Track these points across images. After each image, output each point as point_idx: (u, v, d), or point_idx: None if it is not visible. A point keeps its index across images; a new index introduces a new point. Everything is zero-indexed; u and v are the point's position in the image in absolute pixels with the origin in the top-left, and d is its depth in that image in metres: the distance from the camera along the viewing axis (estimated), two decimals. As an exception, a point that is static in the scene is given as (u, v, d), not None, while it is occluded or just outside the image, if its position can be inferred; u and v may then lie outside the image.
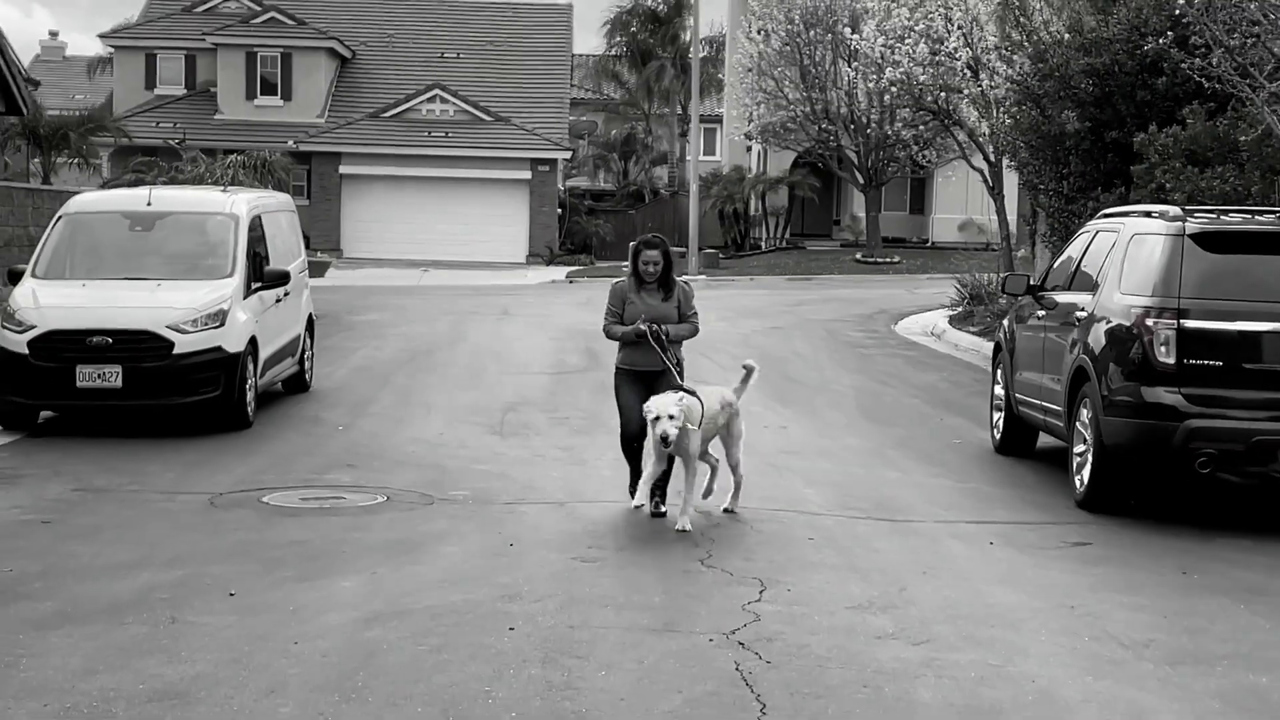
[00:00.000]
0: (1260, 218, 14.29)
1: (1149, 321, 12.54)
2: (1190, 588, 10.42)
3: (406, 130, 55.66)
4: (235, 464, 14.56)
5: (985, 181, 36.00)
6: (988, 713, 7.47)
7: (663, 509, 11.64)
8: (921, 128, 48.65)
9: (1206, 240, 12.83)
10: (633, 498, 11.82)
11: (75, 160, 43.81)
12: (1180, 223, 13.05)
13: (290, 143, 52.91)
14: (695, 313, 12.13)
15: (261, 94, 57.60)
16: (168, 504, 12.71)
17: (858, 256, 53.86)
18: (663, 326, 11.70)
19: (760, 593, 9.59)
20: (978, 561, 10.94)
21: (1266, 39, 17.22)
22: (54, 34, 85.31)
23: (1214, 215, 14.09)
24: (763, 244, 60.94)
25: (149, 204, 18.16)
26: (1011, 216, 35.61)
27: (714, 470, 11.93)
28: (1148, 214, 14.14)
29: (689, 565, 10.59)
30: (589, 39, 66.03)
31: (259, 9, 59.06)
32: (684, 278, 45.45)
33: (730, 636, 8.51)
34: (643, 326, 11.63)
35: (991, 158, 35.32)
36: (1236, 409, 12.47)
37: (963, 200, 54.12)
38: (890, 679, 7.91)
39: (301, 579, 9.99)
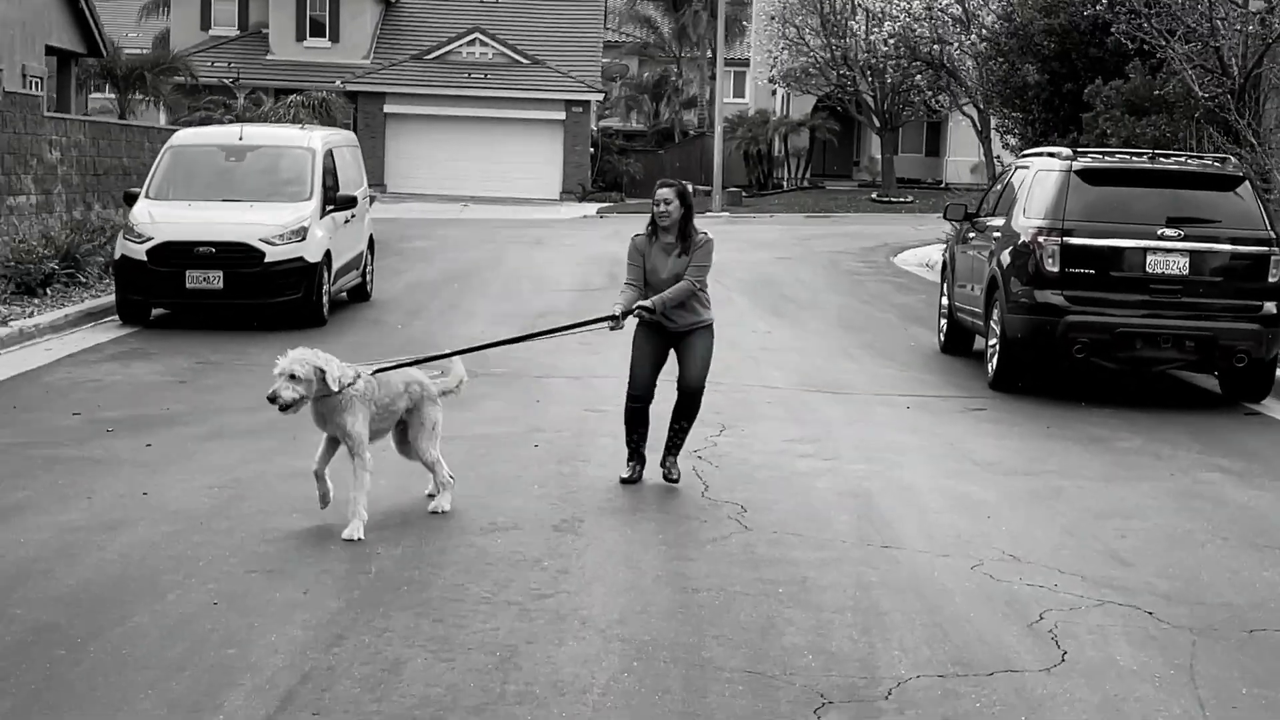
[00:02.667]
0: (1133, 159, 16.21)
1: (1041, 239, 14.74)
2: (1048, 437, 12.96)
3: (448, 72, 55.88)
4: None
5: (974, 126, 38.45)
6: (860, 495, 10.31)
7: (640, 473, 10.45)
8: (919, 77, 49.88)
9: (1088, 175, 15.04)
10: (625, 472, 10.49)
11: (148, 98, 44.64)
12: (1069, 162, 15.30)
13: (338, 83, 53.31)
14: (703, 269, 10.17)
15: (311, 36, 58.00)
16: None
17: (874, 196, 55.18)
18: (644, 306, 10.13)
19: (720, 431, 12.18)
20: (892, 418, 13.50)
21: (1176, 9, 19.71)
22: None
23: (1098, 156, 16.05)
24: (784, 184, 61.99)
25: (240, 139, 20.14)
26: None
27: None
28: (1051, 154, 16.28)
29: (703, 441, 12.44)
30: None
31: None
32: (708, 214, 46.55)
33: (693, 454, 11.13)
34: (617, 313, 10.13)
35: (980, 105, 37.73)
36: (1105, 307, 14.57)
37: (974, 144, 55.49)
38: (800, 476, 10.84)
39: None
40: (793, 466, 11.21)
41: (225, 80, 51.04)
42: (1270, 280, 14.66)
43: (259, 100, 45.17)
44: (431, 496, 9.51)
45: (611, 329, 10.21)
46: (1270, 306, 14.65)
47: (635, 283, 10.30)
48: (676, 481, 10.34)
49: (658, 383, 10.51)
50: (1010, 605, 7.98)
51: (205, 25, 59.89)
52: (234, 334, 17.84)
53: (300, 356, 8.76)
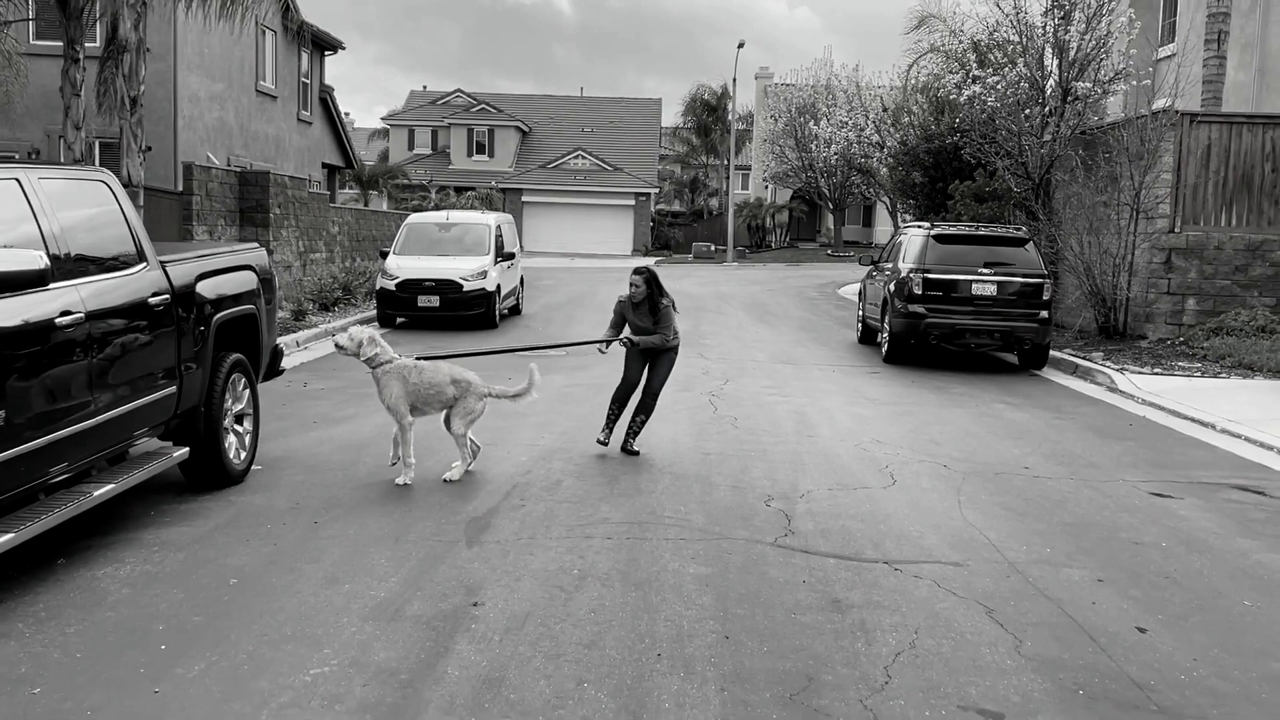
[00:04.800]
0: (964, 228, 16.56)
1: (912, 275, 15.44)
2: (911, 386, 13.86)
3: (561, 175, 56.14)
4: (494, 338, 17.71)
5: (888, 208, 39.04)
6: (800, 412, 11.53)
7: (606, 439, 9.50)
8: (855, 178, 49.63)
9: (940, 238, 15.72)
10: (599, 435, 9.54)
11: (379, 193, 45.78)
12: (929, 230, 16.10)
13: (493, 183, 54.25)
14: (668, 329, 9.31)
15: (476, 154, 58.51)
16: (474, 350, 16.25)
17: (829, 252, 54.53)
18: (636, 339, 9.35)
19: (725, 382, 13.47)
20: (823, 376, 14.51)
21: (1000, 139, 20.52)
22: (345, 114, 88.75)
23: (945, 226, 16.48)
24: (773, 244, 61.43)
25: (448, 219, 21.07)
26: (909, 228, 37.40)
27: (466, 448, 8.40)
28: (919, 226, 16.92)
29: (694, 368, 14.03)
30: (670, 115, 68.12)
31: (475, 102, 60.44)
32: (724, 264, 47.02)
33: (709, 392, 12.54)
34: (604, 341, 9.52)
35: (889, 196, 38.35)
36: (948, 313, 15.27)
37: (889, 219, 56.25)
38: (767, 404, 12.01)
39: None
40: (764, 399, 12.42)
41: (424, 181, 51.70)
42: (1044, 298, 15.27)
43: (446, 194, 46.65)
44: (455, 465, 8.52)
45: (601, 351, 9.61)
46: (1044, 314, 15.26)
47: (614, 328, 9.50)
48: (636, 454, 9.32)
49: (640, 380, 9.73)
50: (871, 461, 9.37)
51: (410, 146, 60.72)
52: (446, 332, 18.60)
53: (354, 332, 8.12)
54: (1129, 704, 4.73)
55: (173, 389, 7.06)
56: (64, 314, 5.83)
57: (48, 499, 5.95)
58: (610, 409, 9.55)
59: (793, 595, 5.93)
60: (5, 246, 5.50)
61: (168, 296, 6.99)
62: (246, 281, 8.26)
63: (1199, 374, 14.81)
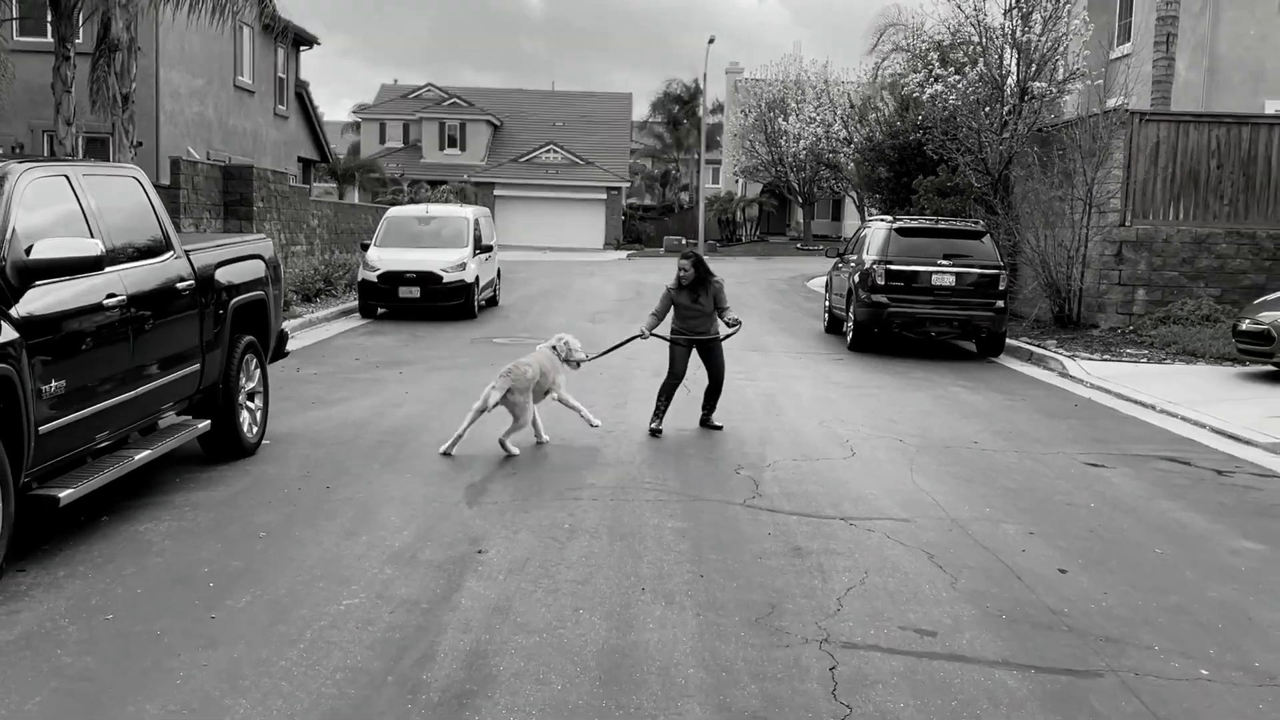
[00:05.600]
0: (925, 221, 17.33)
1: (876, 266, 16.18)
2: (873, 371, 14.65)
3: (533, 169, 56.73)
4: (474, 328, 18.33)
5: (855, 203, 39.73)
6: (769, 395, 12.28)
7: (659, 428, 10.05)
8: (824, 172, 50.19)
9: (902, 231, 16.47)
10: (651, 424, 10.09)
11: (353, 186, 46.11)
12: (891, 223, 16.89)
13: (465, 177, 54.50)
14: (726, 302, 10.17)
15: (448, 147, 59.17)
16: (452, 341, 16.53)
17: (798, 246, 55.38)
18: (651, 332, 10.12)
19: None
20: (790, 363, 15.28)
21: (962, 136, 21.39)
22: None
23: (906, 220, 17.22)
24: (743, 238, 62.18)
25: (427, 212, 21.58)
26: (877, 222, 38.10)
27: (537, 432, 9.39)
28: (881, 220, 17.68)
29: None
30: (641, 110, 68.80)
31: (446, 96, 60.90)
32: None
33: (686, 379, 13.73)
34: (645, 331, 10.20)
35: (857, 190, 39.04)
36: (910, 303, 16.03)
37: (856, 213, 57.10)
38: (737, 386, 12.57)
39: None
40: (735, 382, 12.79)
41: (396, 175, 52.39)
42: (1000, 289, 16.08)
43: (419, 188, 46.96)
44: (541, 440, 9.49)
45: (643, 340, 10.34)
46: (1000, 303, 16.07)
47: (658, 314, 10.15)
48: (719, 428, 10.21)
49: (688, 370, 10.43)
50: (833, 436, 10.19)
51: (382, 140, 61.19)
52: (426, 322, 19.17)
53: (570, 340, 9.58)
54: (1043, 625, 5.60)
55: (196, 366, 7.82)
56: (109, 296, 6.58)
57: (94, 462, 6.71)
58: (658, 402, 10.14)
59: (759, 544, 6.77)
60: (63, 236, 6.24)
61: (192, 282, 7.74)
62: (256, 269, 9.01)
63: (1145, 360, 15.78)
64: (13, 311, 5.70)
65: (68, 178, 6.67)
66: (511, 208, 55.56)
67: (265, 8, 23.16)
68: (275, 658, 4.86)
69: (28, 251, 5.89)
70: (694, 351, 10.36)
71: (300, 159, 33.50)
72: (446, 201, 35.99)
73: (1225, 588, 6.31)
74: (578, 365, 9.71)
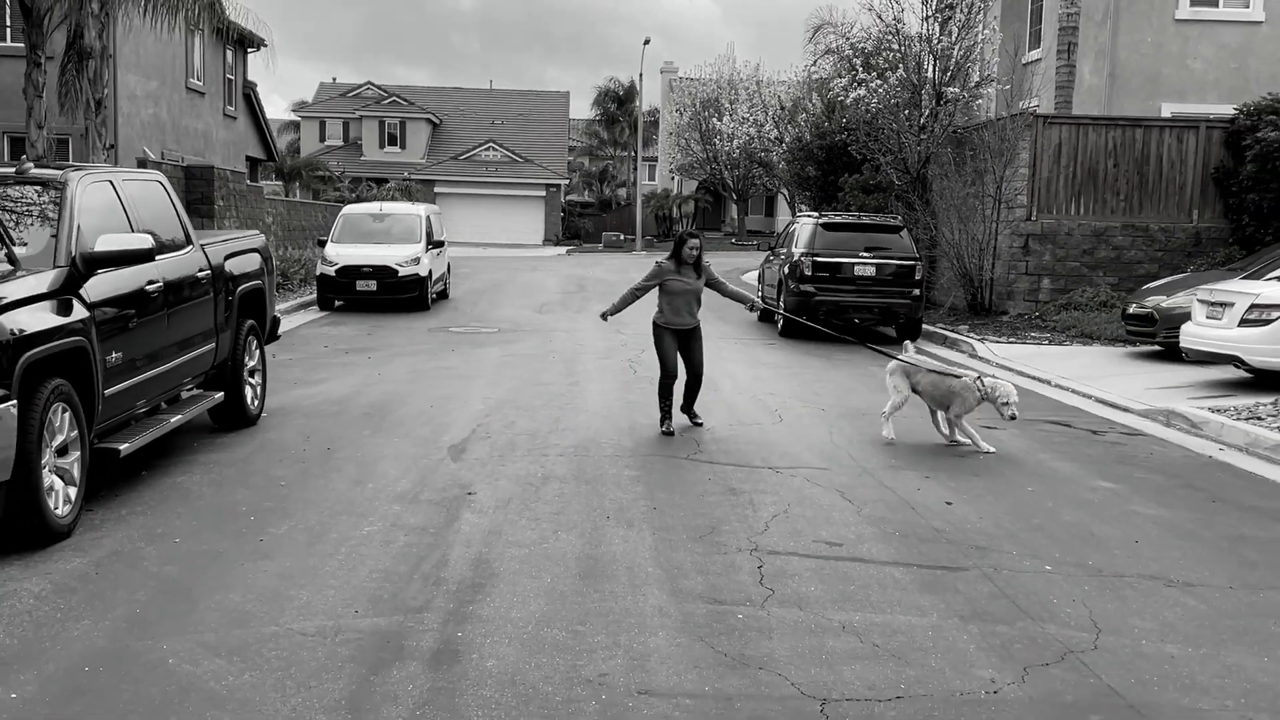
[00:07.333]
0: (849, 217, 18.71)
1: (803, 258, 17.46)
2: (801, 354, 15.93)
3: (473, 167, 57.51)
4: (429, 318, 19.38)
5: (786, 199, 41.06)
6: (707, 375, 14.05)
7: (671, 429, 10.09)
8: (757, 170, 51.73)
9: (827, 226, 17.80)
10: (662, 427, 10.09)
11: (299, 184, 46.93)
12: (817, 219, 18.17)
13: (406, 174, 55.31)
14: (718, 277, 10.51)
15: (388, 145, 59.68)
16: (411, 330, 17.60)
17: (733, 241, 56.17)
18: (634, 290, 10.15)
19: (640, 353, 15.13)
20: (726, 347, 16.45)
21: (883, 137, 23.01)
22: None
23: (831, 215, 18.55)
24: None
25: (381, 209, 22.53)
26: (809, 218, 39.42)
27: None
28: (809, 216, 18.96)
29: (613, 341, 15.90)
30: (581, 107, 69.72)
31: (385, 95, 61.42)
32: (632, 252, 48.50)
33: (626, 360, 14.50)
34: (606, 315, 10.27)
35: (788, 188, 40.42)
36: (835, 292, 17.33)
37: (787, 209, 58.34)
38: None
39: (473, 348, 15.48)
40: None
41: (337, 174, 52.93)
42: (916, 279, 17.49)
43: (359, 186, 47.68)
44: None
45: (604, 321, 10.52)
46: (916, 292, 17.49)
47: (639, 288, 10.25)
48: (701, 424, 10.39)
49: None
50: (764, 407, 11.60)
51: (322, 138, 61.39)
52: (383, 314, 20.23)
53: (1001, 384, 9.73)
54: (928, 539, 7.06)
55: (212, 345, 9.05)
56: (150, 283, 7.80)
57: (136, 424, 7.92)
58: (661, 405, 10.18)
59: (701, 486, 8.18)
60: (114, 232, 7.45)
61: (209, 272, 8.97)
62: (254, 262, 10.23)
63: (1047, 342, 17.44)
64: (82, 293, 6.91)
65: (111, 182, 7.87)
66: (453, 205, 55.52)
67: (216, 13, 24.07)
68: (320, 565, 6.16)
69: (91, 244, 7.10)
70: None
71: (248, 158, 34.12)
72: (394, 199, 36.83)
73: (1078, 514, 7.83)
74: (1012, 418, 9.59)
